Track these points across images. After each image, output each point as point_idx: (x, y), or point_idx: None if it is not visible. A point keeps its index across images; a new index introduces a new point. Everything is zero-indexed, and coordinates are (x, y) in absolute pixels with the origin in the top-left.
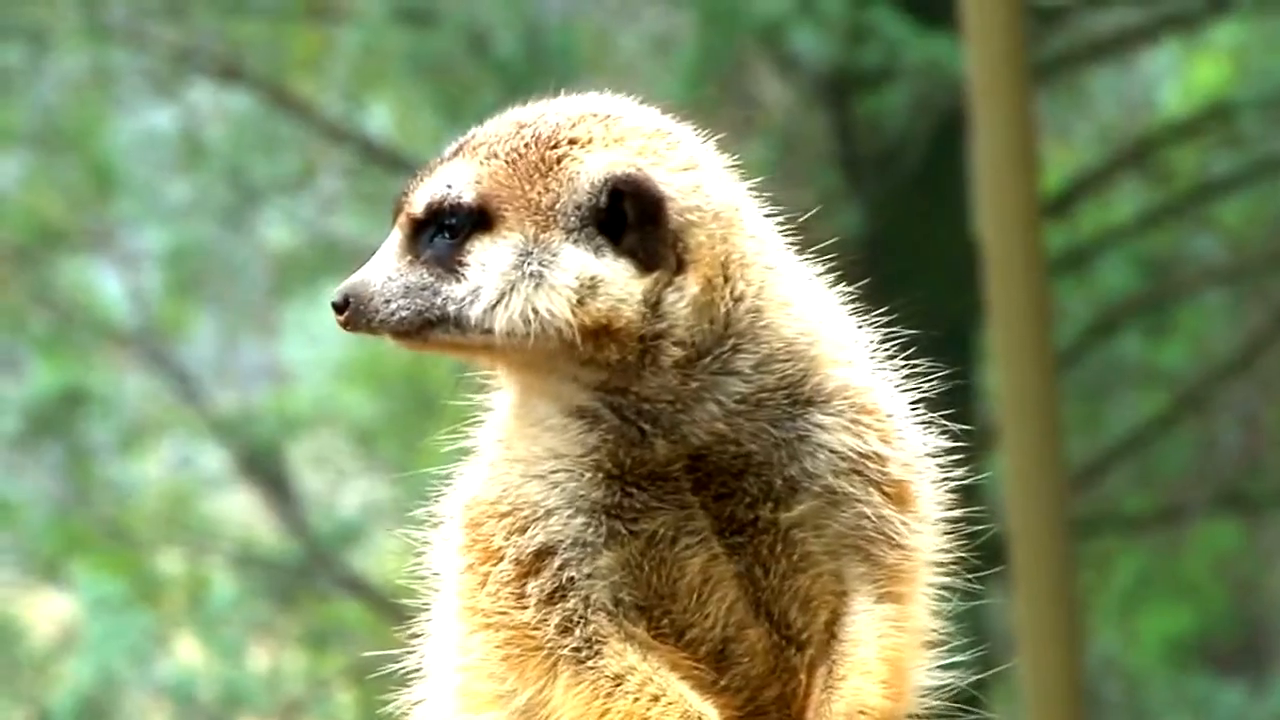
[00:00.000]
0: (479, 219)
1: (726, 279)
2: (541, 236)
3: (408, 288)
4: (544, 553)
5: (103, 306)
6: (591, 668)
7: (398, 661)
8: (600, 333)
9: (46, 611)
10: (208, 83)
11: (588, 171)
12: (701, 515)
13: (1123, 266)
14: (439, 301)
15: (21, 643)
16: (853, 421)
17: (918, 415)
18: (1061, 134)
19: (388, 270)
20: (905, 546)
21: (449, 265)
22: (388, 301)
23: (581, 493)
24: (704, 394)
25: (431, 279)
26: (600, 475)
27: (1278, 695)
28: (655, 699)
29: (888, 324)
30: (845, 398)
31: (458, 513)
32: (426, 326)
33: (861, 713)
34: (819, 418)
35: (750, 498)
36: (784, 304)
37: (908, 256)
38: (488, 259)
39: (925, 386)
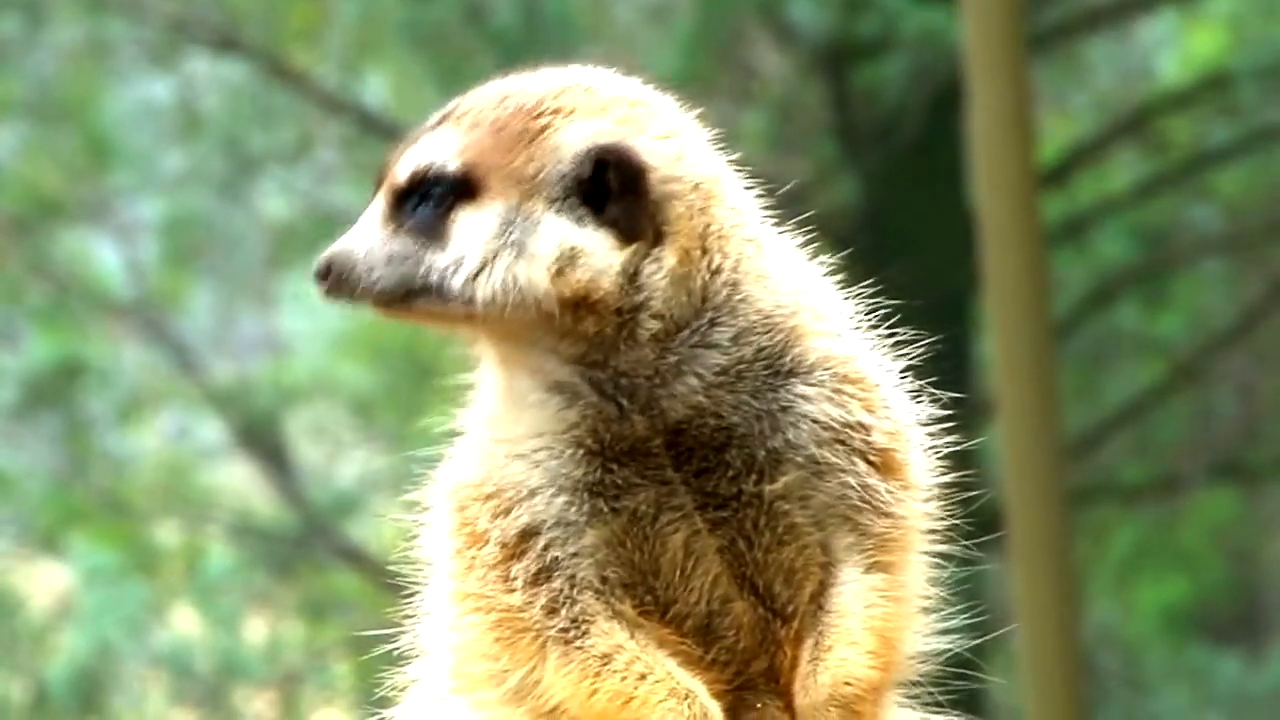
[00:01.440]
0: (463, 188)
1: (704, 251)
2: (524, 206)
3: (391, 256)
4: (528, 533)
5: (100, 277)
6: (579, 647)
7: (394, 638)
8: (579, 304)
9: (44, 582)
10: (205, 53)
11: (571, 141)
12: (682, 491)
13: (1120, 236)
14: (422, 270)
15: (19, 613)
16: (835, 391)
17: (908, 384)
18: (1058, 104)
19: (371, 239)
20: (893, 515)
21: (432, 234)
22: (371, 270)
23: (563, 471)
24: (682, 367)
25: (415, 248)
26: (581, 452)
27: (1275, 664)
28: (643, 677)
29: (879, 294)
30: (827, 368)
31: (445, 496)
32: (410, 296)
33: (847, 684)
34: (800, 388)
35: (734, 471)
36: (762, 276)
37: (905, 226)
38: (471, 228)
39: (919, 356)
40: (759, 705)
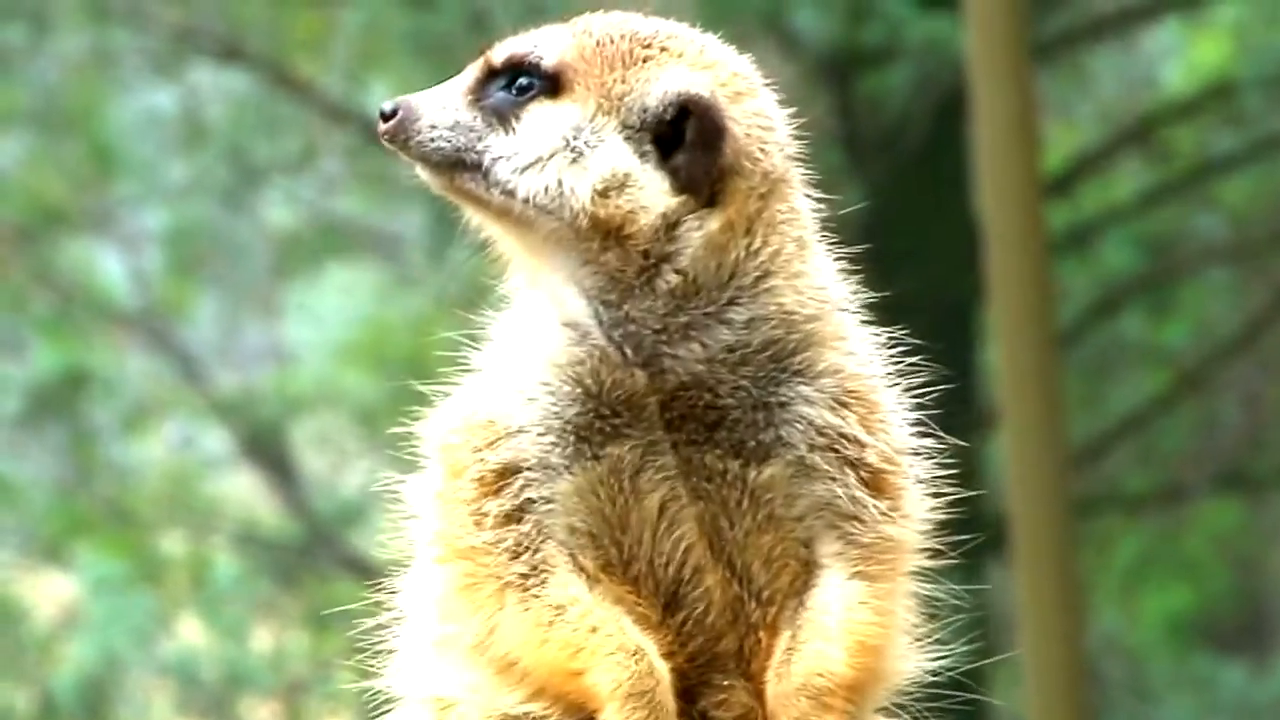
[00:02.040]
0: (549, 84)
1: (749, 232)
2: (598, 120)
3: (457, 123)
4: (508, 471)
5: (104, 287)
6: (536, 596)
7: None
8: (610, 232)
9: (49, 592)
10: (208, 63)
11: (667, 79)
12: (669, 454)
13: (1124, 245)
14: (479, 147)
15: (24, 624)
16: (838, 402)
17: (913, 416)
18: (1063, 113)
19: (446, 101)
20: (880, 532)
21: (504, 118)
22: (434, 127)
23: (555, 410)
24: (690, 331)
25: (482, 125)
26: (579, 391)
27: (1279, 673)
28: (594, 630)
29: (890, 320)
30: (834, 378)
31: (434, 434)
32: (458, 167)
33: (820, 675)
34: (803, 389)
35: (721, 450)
36: (795, 276)
37: (909, 236)
38: (540, 123)
39: (925, 383)
40: (725, 683)
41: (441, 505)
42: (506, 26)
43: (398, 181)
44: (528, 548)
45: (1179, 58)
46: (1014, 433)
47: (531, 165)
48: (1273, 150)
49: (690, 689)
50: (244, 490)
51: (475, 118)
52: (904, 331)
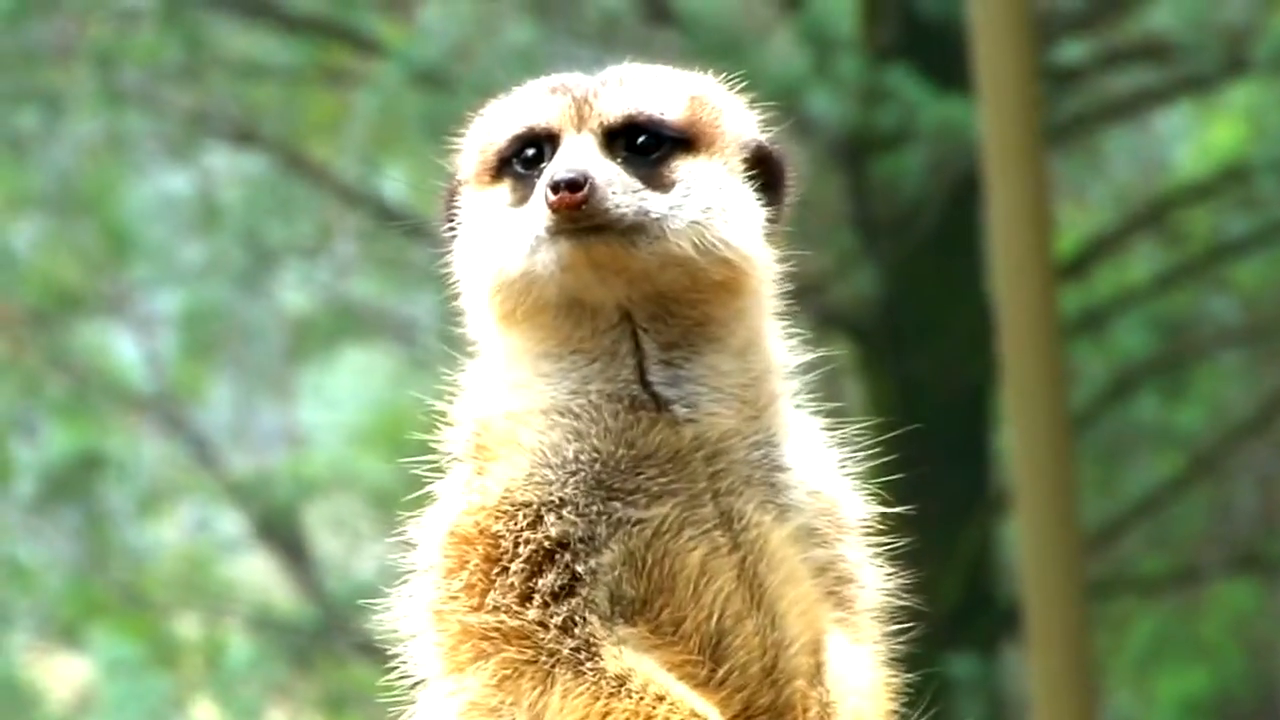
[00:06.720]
0: (681, 140)
1: None
2: (730, 170)
3: (627, 187)
4: (555, 547)
5: (119, 370)
6: (593, 668)
7: None
8: (734, 282)
9: (64, 675)
10: (223, 146)
11: (750, 123)
12: (710, 504)
13: (1138, 328)
14: (649, 209)
15: (39, 707)
16: (827, 467)
17: (866, 484)
18: (1076, 195)
19: (608, 168)
20: (871, 598)
21: (650, 178)
22: (614, 193)
23: (601, 478)
24: (730, 385)
25: (639, 185)
26: (631, 454)
27: None
28: (660, 698)
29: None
30: (816, 439)
31: (438, 541)
32: (635, 230)
33: None
34: (800, 450)
35: (756, 501)
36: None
37: (923, 318)
38: (693, 178)
39: (936, 448)
40: None
41: (475, 600)
42: None
43: (412, 265)
44: (578, 621)
45: (1192, 141)
46: (1027, 516)
47: (699, 219)
48: None
49: None
50: (258, 573)
51: (632, 180)
52: (916, 413)
